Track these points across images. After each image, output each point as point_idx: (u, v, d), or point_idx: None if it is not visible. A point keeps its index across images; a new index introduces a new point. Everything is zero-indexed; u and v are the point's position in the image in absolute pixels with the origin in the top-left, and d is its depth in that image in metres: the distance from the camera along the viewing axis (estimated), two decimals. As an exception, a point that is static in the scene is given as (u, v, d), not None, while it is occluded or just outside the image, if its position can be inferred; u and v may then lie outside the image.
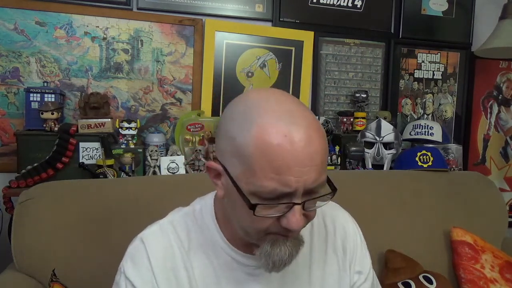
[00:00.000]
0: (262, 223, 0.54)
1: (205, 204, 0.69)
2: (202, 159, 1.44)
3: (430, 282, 1.19)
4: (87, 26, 1.49)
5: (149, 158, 1.40)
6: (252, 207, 0.51)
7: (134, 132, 1.41)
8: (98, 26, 1.50)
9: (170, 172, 1.41)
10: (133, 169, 1.38)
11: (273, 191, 0.51)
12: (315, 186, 0.53)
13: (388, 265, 1.22)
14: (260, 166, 0.51)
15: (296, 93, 1.75)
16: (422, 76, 1.95)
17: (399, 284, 1.16)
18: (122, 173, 1.35)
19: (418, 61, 1.94)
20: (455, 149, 1.78)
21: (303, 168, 0.51)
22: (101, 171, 1.30)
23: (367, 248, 0.76)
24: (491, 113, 2.04)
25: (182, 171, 1.42)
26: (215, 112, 1.64)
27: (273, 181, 0.50)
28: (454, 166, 1.74)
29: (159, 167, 1.41)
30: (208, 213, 0.67)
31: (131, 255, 0.65)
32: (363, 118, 1.72)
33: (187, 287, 0.64)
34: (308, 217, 0.56)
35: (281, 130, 0.50)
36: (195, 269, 0.64)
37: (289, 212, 0.52)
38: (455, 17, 1.95)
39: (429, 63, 1.95)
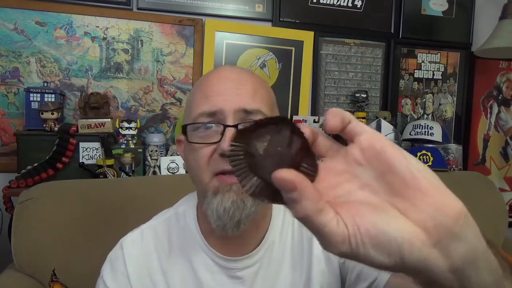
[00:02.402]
0: (202, 154, 0.56)
1: (188, 206, 0.68)
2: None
3: (430, 282, 1.19)
4: (87, 26, 1.49)
5: (149, 158, 1.40)
6: (184, 130, 0.57)
7: (134, 132, 1.41)
8: (98, 26, 1.50)
9: (170, 172, 1.41)
10: (133, 169, 1.38)
11: (202, 113, 0.56)
12: (249, 109, 0.55)
13: (388, 265, 1.22)
14: (195, 99, 0.59)
15: (296, 93, 1.75)
16: (422, 76, 1.95)
17: (399, 284, 1.16)
18: (122, 173, 1.35)
19: (418, 61, 1.94)
20: (455, 149, 1.78)
21: (231, 91, 0.56)
22: (101, 171, 1.30)
23: None
24: (491, 113, 2.04)
25: (182, 171, 1.42)
26: (215, 112, 1.64)
27: (204, 105, 0.56)
28: (454, 166, 1.74)
29: (159, 167, 1.41)
30: (191, 214, 0.67)
31: (110, 260, 0.66)
32: (363, 118, 1.72)
33: None
34: None
35: (212, 71, 0.62)
36: (175, 273, 0.64)
37: (222, 137, 0.54)
38: (455, 17, 1.94)
39: (429, 63, 1.95)
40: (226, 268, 0.63)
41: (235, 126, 0.54)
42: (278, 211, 0.68)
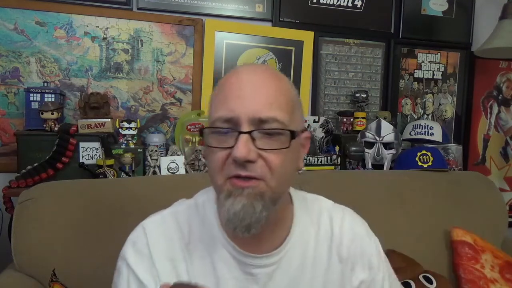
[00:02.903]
0: (217, 157, 0.56)
1: (208, 198, 0.69)
2: (202, 159, 1.44)
3: (430, 282, 1.19)
4: (87, 26, 1.49)
5: (149, 158, 1.40)
6: (201, 133, 0.60)
7: (134, 132, 1.41)
8: (98, 26, 1.50)
9: (170, 172, 1.41)
10: (133, 169, 1.38)
11: (219, 118, 0.57)
12: (264, 118, 0.55)
13: (388, 265, 1.22)
14: (216, 100, 0.60)
15: (296, 93, 1.75)
16: (422, 76, 1.95)
17: (399, 284, 1.16)
18: (122, 173, 1.35)
19: (418, 61, 1.94)
20: (455, 149, 1.78)
21: (247, 97, 0.56)
22: (101, 171, 1.30)
23: (380, 257, 0.72)
24: (491, 113, 2.04)
25: (182, 171, 1.42)
26: (215, 112, 1.64)
27: (221, 110, 0.57)
28: (454, 166, 1.74)
29: (159, 167, 1.41)
30: (211, 206, 0.67)
31: (133, 243, 0.66)
32: (363, 118, 1.72)
33: (186, 279, 0.63)
34: (266, 160, 0.55)
35: (234, 70, 0.61)
36: (194, 262, 0.64)
37: (236, 143, 0.55)
38: (455, 17, 1.94)
39: (429, 63, 1.95)
40: (243, 263, 0.63)
41: (249, 132, 0.55)
42: (300, 216, 0.68)
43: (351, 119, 1.74)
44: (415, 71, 1.94)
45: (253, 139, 0.55)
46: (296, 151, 0.62)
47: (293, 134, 0.57)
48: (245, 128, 0.55)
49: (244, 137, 0.54)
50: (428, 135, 1.74)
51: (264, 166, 0.55)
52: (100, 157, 1.33)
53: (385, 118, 1.70)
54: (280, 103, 0.57)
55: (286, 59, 1.73)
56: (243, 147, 0.53)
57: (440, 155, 1.60)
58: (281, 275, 0.64)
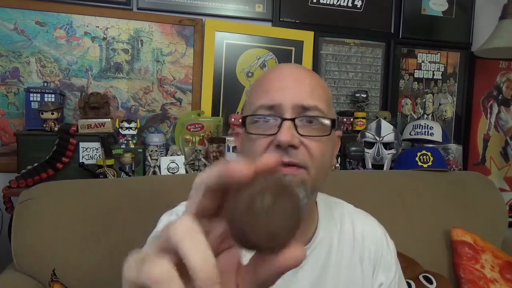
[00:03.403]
0: (258, 145, 0.57)
1: None
2: (202, 159, 1.44)
3: (430, 282, 1.19)
4: (87, 26, 1.49)
5: (149, 158, 1.40)
6: (244, 121, 0.59)
7: (134, 132, 1.41)
8: (98, 26, 1.50)
9: (170, 172, 1.41)
10: (133, 169, 1.38)
11: (262, 106, 0.58)
12: (307, 105, 0.57)
13: (388, 265, 1.22)
14: (255, 93, 0.61)
15: (296, 93, 1.75)
16: (422, 76, 1.95)
17: (399, 284, 1.16)
18: (122, 173, 1.35)
19: (418, 61, 1.94)
20: (455, 149, 1.78)
21: (290, 87, 0.58)
22: (101, 171, 1.30)
23: (395, 260, 0.73)
24: (491, 113, 2.04)
25: (182, 171, 1.42)
26: (215, 112, 1.64)
27: (264, 99, 0.58)
28: (454, 166, 1.74)
29: (159, 167, 1.41)
30: None
31: (169, 213, 0.67)
32: (363, 118, 1.72)
33: None
34: (308, 147, 0.56)
35: (274, 67, 0.64)
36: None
37: (279, 129, 0.55)
38: (455, 17, 1.94)
39: (429, 63, 1.95)
40: None
41: (292, 119, 0.55)
42: (324, 216, 0.69)
43: (351, 119, 1.74)
44: (415, 71, 1.94)
45: (295, 126, 0.55)
46: (332, 146, 0.63)
47: (333, 123, 0.59)
48: (288, 115, 0.56)
49: (287, 123, 0.55)
50: (428, 135, 1.74)
51: (305, 154, 0.56)
52: (100, 157, 1.33)
53: (385, 118, 1.70)
54: (319, 93, 0.59)
55: (286, 59, 1.73)
56: (287, 132, 0.54)
57: (440, 155, 1.60)
58: (306, 272, 0.64)
